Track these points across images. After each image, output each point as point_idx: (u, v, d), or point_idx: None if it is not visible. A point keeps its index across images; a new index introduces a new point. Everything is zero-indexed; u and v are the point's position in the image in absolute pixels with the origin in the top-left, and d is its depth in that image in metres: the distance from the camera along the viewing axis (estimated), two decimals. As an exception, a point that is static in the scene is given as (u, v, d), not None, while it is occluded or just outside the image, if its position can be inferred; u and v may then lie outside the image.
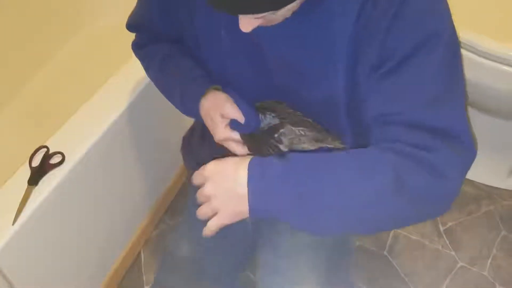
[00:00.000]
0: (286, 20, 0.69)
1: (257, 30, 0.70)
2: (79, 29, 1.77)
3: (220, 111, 0.82)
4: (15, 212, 0.96)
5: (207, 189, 0.68)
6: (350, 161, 0.65)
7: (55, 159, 1.04)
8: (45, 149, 1.05)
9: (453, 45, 0.68)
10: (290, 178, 0.64)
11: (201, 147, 1.00)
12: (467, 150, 0.67)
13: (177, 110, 0.93)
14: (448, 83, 0.67)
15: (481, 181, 1.63)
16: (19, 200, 0.98)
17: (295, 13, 0.69)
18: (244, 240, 1.02)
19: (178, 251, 0.99)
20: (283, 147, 0.83)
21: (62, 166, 1.04)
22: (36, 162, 1.03)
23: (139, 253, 1.50)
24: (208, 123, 0.86)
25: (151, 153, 1.42)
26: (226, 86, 0.86)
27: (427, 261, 1.45)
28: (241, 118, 0.81)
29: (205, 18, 0.80)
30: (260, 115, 0.84)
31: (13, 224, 0.93)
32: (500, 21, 1.37)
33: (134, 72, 1.22)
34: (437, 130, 0.64)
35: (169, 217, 1.60)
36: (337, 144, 0.83)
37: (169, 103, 0.95)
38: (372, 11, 0.66)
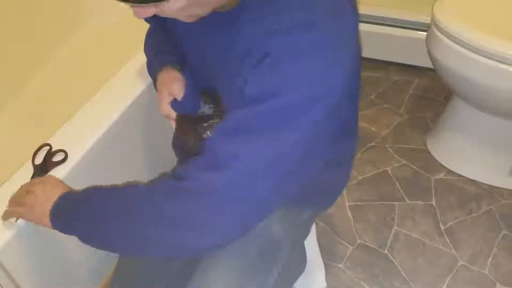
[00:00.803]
0: (216, 19, 0.70)
1: (199, 27, 0.72)
2: (80, 28, 1.77)
3: (169, 87, 0.89)
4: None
5: (27, 199, 0.86)
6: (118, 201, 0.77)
7: (57, 157, 1.04)
8: (47, 147, 1.05)
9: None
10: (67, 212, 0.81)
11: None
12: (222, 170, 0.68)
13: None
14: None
15: (481, 180, 1.63)
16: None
17: (219, 17, 0.70)
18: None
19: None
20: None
21: (64, 164, 1.05)
22: (39, 159, 1.04)
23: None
24: (157, 95, 0.94)
25: (152, 151, 1.42)
26: (188, 69, 0.92)
27: (427, 260, 1.45)
28: (179, 98, 0.88)
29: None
30: (202, 102, 0.89)
31: (16, 221, 0.93)
32: (499, 19, 1.38)
33: (136, 71, 1.23)
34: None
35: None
36: None
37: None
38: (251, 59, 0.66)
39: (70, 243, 1.17)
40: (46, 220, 0.82)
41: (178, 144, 1.00)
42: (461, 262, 1.44)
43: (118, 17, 1.63)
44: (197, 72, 0.90)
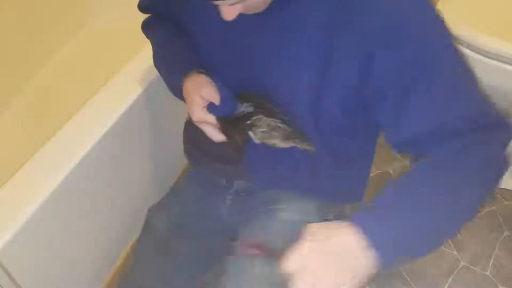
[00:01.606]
0: (263, 11, 0.71)
1: (241, 22, 0.71)
2: (81, 28, 1.77)
3: (200, 92, 0.85)
4: (19, 210, 0.96)
5: (309, 280, 0.60)
6: (440, 187, 0.66)
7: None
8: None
9: (451, 48, 0.70)
10: (391, 230, 0.62)
11: (193, 131, 1.02)
12: (504, 127, 0.71)
13: (181, 108, 0.95)
14: (462, 79, 0.70)
15: (483, 181, 1.63)
16: (21, 198, 0.98)
17: (271, 4, 0.71)
18: (216, 228, 1.04)
19: (154, 225, 1.04)
20: (255, 139, 0.85)
21: (64, 166, 1.05)
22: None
23: (142, 251, 1.51)
24: (188, 103, 0.89)
25: (155, 150, 1.42)
26: (209, 68, 0.89)
27: (429, 261, 1.45)
28: (216, 100, 0.84)
29: (195, 2, 0.84)
30: (237, 103, 0.86)
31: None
32: (500, 19, 1.37)
33: (137, 70, 1.23)
34: (475, 126, 0.68)
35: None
36: (305, 146, 0.85)
37: (173, 100, 0.98)
38: (350, 25, 0.67)
39: (70, 244, 1.17)
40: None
41: (203, 148, 0.96)
42: (462, 263, 1.44)
43: (120, 16, 1.63)
44: (225, 74, 0.87)
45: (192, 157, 1.05)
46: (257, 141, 0.85)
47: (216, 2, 0.66)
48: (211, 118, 0.85)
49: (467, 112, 0.68)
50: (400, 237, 0.62)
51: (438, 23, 0.68)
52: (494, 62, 1.29)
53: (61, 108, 1.29)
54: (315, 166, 0.90)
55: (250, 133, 0.85)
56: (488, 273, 1.41)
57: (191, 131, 1.02)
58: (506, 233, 1.50)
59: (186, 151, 1.07)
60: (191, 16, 0.87)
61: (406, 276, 1.41)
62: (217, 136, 0.86)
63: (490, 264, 1.43)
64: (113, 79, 1.24)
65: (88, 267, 1.28)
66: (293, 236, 0.63)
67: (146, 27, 1.05)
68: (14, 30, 1.56)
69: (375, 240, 0.60)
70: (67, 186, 1.05)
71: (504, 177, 1.64)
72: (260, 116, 0.84)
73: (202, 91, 0.85)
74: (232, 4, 0.67)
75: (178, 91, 0.93)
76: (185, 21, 0.90)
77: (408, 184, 0.67)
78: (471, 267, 1.43)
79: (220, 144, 0.86)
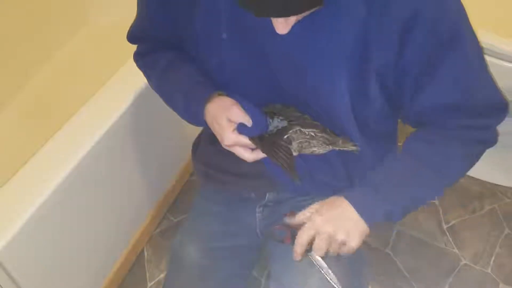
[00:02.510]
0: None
1: (259, 29, 0.70)
2: (82, 27, 1.77)
3: (227, 115, 0.81)
4: (19, 210, 0.96)
5: (326, 229, 0.78)
6: (429, 161, 0.80)
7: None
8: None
9: (470, 32, 0.74)
10: (383, 200, 0.79)
11: (210, 153, 0.99)
12: (503, 110, 0.80)
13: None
14: (479, 64, 0.76)
15: (485, 179, 1.62)
16: (21, 199, 0.98)
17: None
18: (250, 244, 1.02)
19: (184, 254, 0.98)
20: (293, 150, 0.83)
21: (64, 165, 1.05)
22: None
23: (143, 249, 1.51)
24: (215, 128, 0.84)
25: (154, 150, 1.42)
26: (225, 88, 0.85)
27: (430, 259, 1.44)
28: (248, 121, 0.80)
29: (205, 19, 0.79)
30: (267, 118, 0.83)
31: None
32: (499, 15, 1.37)
33: (137, 70, 1.22)
34: (482, 108, 0.77)
35: (172, 215, 1.60)
36: (349, 146, 0.83)
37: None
38: (381, 17, 0.68)
39: (70, 244, 1.17)
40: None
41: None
42: (463, 262, 1.44)
43: (120, 16, 1.63)
44: (249, 88, 0.84)
45: (210, 178, 1.01)
46: (295, 153, 0.83)
47: (279, 19, 0.67)
48: (245, 139, 0.81)
49: (481, 95, 0.77)
50: (386, 208, 0.79)
51: (459, 4, 0.72)
52: (495, 60, 1.28)
53: (61, 107, 1.29)
54: (354, 166, 0.89)
55: (291, 147, 0.83)
56: (489, 271, 1.41)
57: (207, 153, 1.00)
58: (507, 231, 1.50)
59: (201, 173, 1.03)
60: (203, 36, 0.82)
61: (406, 275, 1.41)
62: (250, 156, 0.83)
63: (491, 262, 1.43)
64: (114, 77, 1.24)
65: (88, 267, 1.28)
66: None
67: (141, 58, 0.99)
68: (14, 29, 1.56)
69: (363, 212, 0.78)
70: (67, 187, 1.06)
71: (504, 174, 1.63)
72: (297, 128, 0.82)
73: (229, 114, 0.81)
74: (287, 19, 0.66)
75: (196, 119, 0.87)
76: (195, 42, 0.84)
77: (399, 159, 0.83)
78: (472, 265, 1.42)
79: (272, 161, 0.83)
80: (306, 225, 0.79)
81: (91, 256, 1.27)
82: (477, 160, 0.83)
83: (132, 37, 0.96)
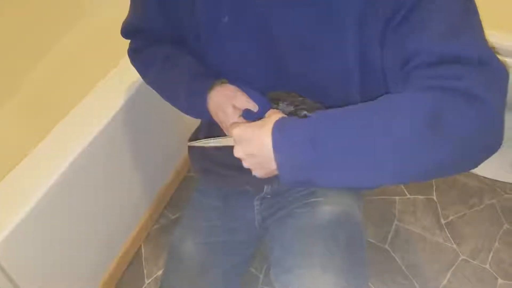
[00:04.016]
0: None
1: (266, 12, 0.69)
2: (79, 21, 1.76)
3: (232, 102, 0.80)
4: (15, 208, 0.96)
5: (237, 152, 0.68)
6: (377, 104, 0.60)
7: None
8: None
9: None
10: (313, 129, 0.60)
11: (207, 148, 0.99)
12: (498, 73, 0.61)
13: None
14: (463, 13, 0.64)
15: (483, 175, 1.62)
16: (17, 194, 0.97)
17: None
18: (249, 238, 1.02)
19: (182, 250, 0.98)
20: None
21: (61, 161, 1.04)
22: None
23: (140, 247, 1.50)
24: (220, 116, 0.83)
25: (151, 146, 1.41)
26: (227, 77, 0.84)
27: (428, 254, 1.44)
28: (254, 107, 0.80)
29: (205, 6, 0.78)
30: (273, 104, 0.82)
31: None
32: (493, 8, 1.36)
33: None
34: (462, 59, 0.60)
35: (170, 211, 1.60)
36: None
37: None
38: None
39: (67, 242, 1.16)
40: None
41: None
42: (462, 257, 1.43)
43: (118, 10, 1.62)
44: (254, 73, 0.82)
45: (208, 173, 1.01)
46: None
47: None
48: None
49: (473, 48, 0.61)
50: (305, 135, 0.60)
51: None
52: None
53: (59, 100, 1.29)
54: None
55: None
56: (487, 266, 1.41)
57: (205, 148, 1.00)
58: (505, 226, 1.49)
59: (198, 168, 1.03)
60: (204, 22, 0.81)
61: (405, 270, 1.41)
62: None
63: (490, 257, 1.43)
64: (111, 73, 1.23)
65: (85, 265, 1.27)
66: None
67: (136, 54, 0.97)
68: (11, 25, 1.55)
69: (277, 143, 0.62)
70: (64, 183, 1.05)
71: (503, 169, 1.63)
72: (304, 113, 0.81)
73: (234, 101, 0.80)
74: None
75: (199, 110, 0.86)
76: (195, 30, 0.83)
77: (357, 107, 0.62)
78: (471, 260, 1.42)
79: None
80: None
81: (88, 254, 1.27)
82: (463, 133, 0.58)
83: (127, 31, 0.95)
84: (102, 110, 1.15)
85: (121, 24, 0.94)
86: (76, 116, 1.14)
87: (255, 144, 0.65)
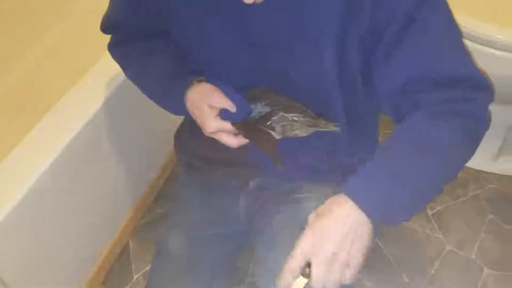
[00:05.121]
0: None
1: (244, 10, 0.69)
2: (68, 13, 1.74)
3: (208, 101, 0.81)
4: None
5: (328, 251, 0.66)
6: (417, 144, 0.69)
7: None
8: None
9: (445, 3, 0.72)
10: (382, 191, 0.66)
11: (193, 142, 0.98)
12: (484, 84, 0.73)
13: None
14: (452, 32, 0.72)
15: (468, 165, 1.63)
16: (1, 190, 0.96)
17: None
18: (235, 232, 1.01)
19: (169, 245, 0.97)
20: (275, 134, 0.83)
21: (44, 159, 1.03)
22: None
23: (128, 242, 1.50)
24: (196, 115, 0.84)
25: (138, 140, 1.40)
26: (209, 72, 0.84)
27: (415, 246, 1.46)
28: (231, 106, 0.80)
29: (182, 1, 0.79)
30: (250, 104, 0.82)
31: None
32: (486, 3, 1.37)
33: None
34: (458, 79, 0.70)
35: (157, 206, 1.59)
36: (331, 127, 0.82)
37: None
38: None
39: (54, 236, 1.15)
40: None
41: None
42: (448, 247, 1.45)
43: (106, 2, 1.60)
44: (235, 69, 0.83)
45: (194, 167, 1.00)
46: (278, 137, 0.82)
47: None
48: (228, 125, 0.80)
49: (459, 65, 0.71)
50: (389, 204, 0.66)
51: None
52: (478, 46, 1.29)
53: (46, 93, 1.27)
54: (334, 145, 0.88)
55: (275, 133, 0.82)
56: (473, 256, 1.43)
57: (190, 143, 0.99)
58: (490, 216, 1.51)
59: (184, 162, 1.03)
60: (184, 21, 0.81)
61: (393, 262, 1.42)
62: (234, 142, 0.82)
63: (476, 247, 1.44)
64: (91, 70, 1.21)
65: (72, 259, 1.26)
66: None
67: (116, 48, 0.96)
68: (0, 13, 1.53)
69: (367, 209, 0.65)
70: (49, 179, 1.04)
71: (487, 160, 1.65)
72: (280, 114, 0.81)
73: (210, 100, 0.80)
74: None
75: (177, 108, 0.86)
76: (176, 28, 0.83)
77: (393, 148, 0.70)
78: (457, 251, 1.44)
79: (256, 148, 0.82)
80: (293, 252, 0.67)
81: (75, 249, 1.26)
82: (475, 141, 0.75)
83: (106, 26, 0.94)
84: (85, 106, 1.14)
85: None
86: (59, 112, 1.12)
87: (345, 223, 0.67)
